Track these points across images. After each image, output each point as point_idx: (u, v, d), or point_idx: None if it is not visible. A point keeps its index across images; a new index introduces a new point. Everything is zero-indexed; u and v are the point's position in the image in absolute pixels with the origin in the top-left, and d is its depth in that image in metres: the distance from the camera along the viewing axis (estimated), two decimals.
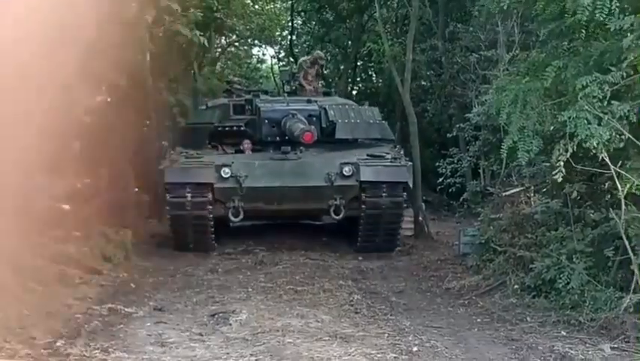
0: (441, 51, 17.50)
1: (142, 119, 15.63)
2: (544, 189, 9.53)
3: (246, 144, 13.32)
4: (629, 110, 6.59)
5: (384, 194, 12.18)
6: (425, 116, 18.41)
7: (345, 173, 12.25)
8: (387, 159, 12.57)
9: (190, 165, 12.34)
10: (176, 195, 12.08)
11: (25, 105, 9.05)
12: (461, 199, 14.44)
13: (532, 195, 10.27)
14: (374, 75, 25.35)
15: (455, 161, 14.50)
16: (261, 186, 12.25)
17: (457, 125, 14.08)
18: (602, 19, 6.45)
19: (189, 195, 11.99)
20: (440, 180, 15.38)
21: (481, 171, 13.72)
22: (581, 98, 6.64)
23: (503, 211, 10.56)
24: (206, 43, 11.36)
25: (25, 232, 9.75)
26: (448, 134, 14.94)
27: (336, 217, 12.52)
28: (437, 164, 14.39)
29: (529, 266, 8.78)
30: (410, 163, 12.88)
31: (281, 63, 27.05)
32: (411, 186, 12.62)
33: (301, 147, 12.84)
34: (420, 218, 14.16)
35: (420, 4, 16.05)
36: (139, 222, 14.06)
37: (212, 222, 12.33)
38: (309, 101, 14.02)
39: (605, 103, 6.66)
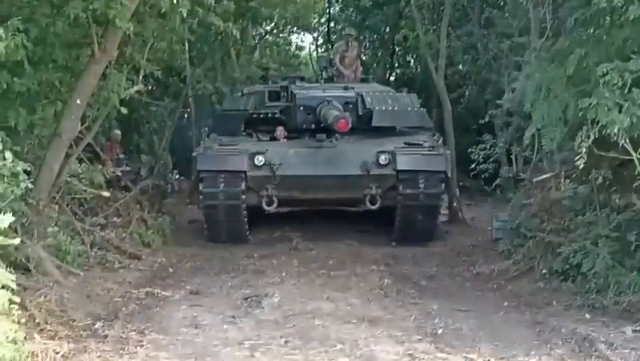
0: (477, 37, 17.49)
1: (181, 107, 15.94)
2: (574, 175, 9.60)
3: (280, 132, 13.10)
4: None
5: (421, 184, 11.74)
6: (461, 102, 18.46)
7: (381, 162, 11.83)
8: (425, 147, 12.14)
9: (223, 152, 12.12)
10: (209, 183, 11.82)
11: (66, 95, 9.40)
12: (494, 185, 14.46)
13: (562, 180, 10.33)
14: (412, 61, 25.37)
15: (488, 147, 14.54)
16: (295, 175, 11.93)
17: (490, 112, 14.12)
18: (620, 5, 6.55)
19: (222, 183, 11.74)
20: (473, 165, 15.29)
21: (513, 157, 13.72)
22: (601, 85, 6.76)
23: (534, 197, 10.65)
24: (238, 35, 11.43)
25: (66, 217, 10.16)
26: (480, 121, 14.93)
27: (372, 207, 12.07)
28: (470, 150, 14.31)
29: (557, 251, 8.90)
30: (449, 151, 12.56)
31: (319, 50, 27.08)
32: (449, 175, 12.29)
33: (337, 135, 12.45)
34: (454, 204, 14.21)
35: None
36: (178, 208, 14.40)
37: (245, 212, 12.05)
38: (345, 88, 13.62)
39: (626, 90, 6.77)
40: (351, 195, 12.20)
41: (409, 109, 13.47)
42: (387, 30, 23.35)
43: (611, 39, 7.21)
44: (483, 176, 14.84)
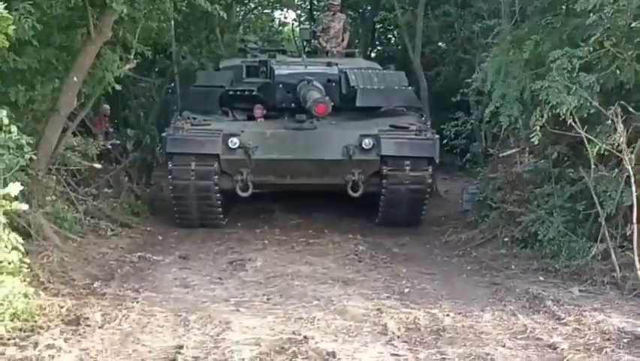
0: (453, 17, 18.10)
1: (166, 83, 16.52)
2: (536, 151, 10.35)
3: (258, 110, 12.21)
4: (594, 81, 7.45)
5: (407, 170, 11.10)
6: (438, 80, 19.09)
7: (364, 146, 11.11)
8: (412, 130, 11.40)
9: (195, 133, 11.28)
10: (178, 167, 11.13)
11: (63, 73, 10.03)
12: (464, 160, 15.09)
13: (526, 156, 11.08)
14: (392, 39, 25.92)
15: (460, 124, 15.12)
16: (271, 159, 11.22)
17: (461, 90, 14.80)
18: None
19: (193, 167, 11.04)
20: (445, 142, 15.71)
21: (482, 133, 14.30)
22: (552, 69, 7.51)
23: (499, 171, 11.40)
24: (225, 16, 11.88)
25: (61, 187, 10.82)
26: (452, 99, 15.55)
27: (354, 194, 11.36)
28: (442, 126, 14.81)
29: (518, 220, 9.67)
30: (437, 136, 11.67)
31: (302, 24, 27.30)
32: (437, 161, 11.49)
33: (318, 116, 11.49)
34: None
35: None
36: (165, 180, 15.00)
37: (218, 197, 11.38)
38: (329, 64, 12.73)
39: (574, 74, 7.52)
40: (332, 182, 11.42)
41: (396, 88, 12.58)
42: (369, 8, 23.90)
43: (564, 27, 7.95)
44: (455, 151, 15.40)
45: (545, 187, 9.45)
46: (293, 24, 28.01)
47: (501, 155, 11.59)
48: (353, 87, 12.25)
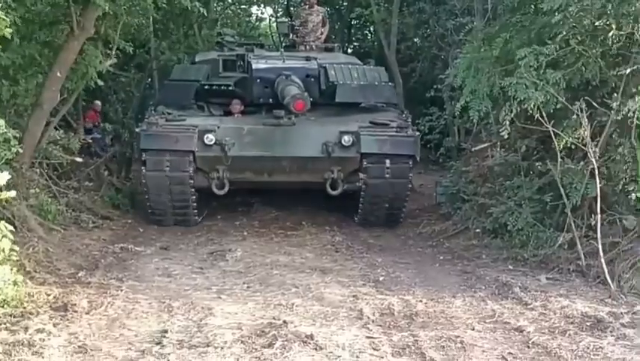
0: (428, 14, 18.41)
1: (145, 78, 16.71)
2: (506, 145, 10.70)
3: (236, 105, 11.90)
4: (560, 78, 7.80)
5: (387, 169, 10.89)
6: (413, 76, 19.41)
7: (344, 143, 10.88)
8: (393, 127, 11.21)
9: (169, 129, 10.96)
10: (152, 164, 10.81)
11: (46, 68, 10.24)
12: (438, 154, 15.41)
13: (497, 149, 11.40)
14: (369, 35, 26.23)
15: (434, 119, 15.42)
16: (248, 156, 10.91)
17: (435, 86, 15.05)
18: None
19: (168, 164, 10.73)
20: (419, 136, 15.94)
21: (455, 128, 14.59)
22: (520, 66, 7.85)
23: (472, 164, 11.73)
24: (205, 12, 12.10)
25: (45, 181, 11.03)
26: (426, 94, 15.78)
27: (333, 192, 11.16)
28: (417, 121, 15.02)
29: (489, 212, 10.00)
30: (418, 133, 11.52)
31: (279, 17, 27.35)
32: (418, 158, 11.25)
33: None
34: None
35: None
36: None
37: (193, 195, 11.11)
38: (307, 59, 12.50)
39: (541, 71, 7.86)
40: (311, 179, 11.20)
41: (376, 83, 12.29)
42: (345, 4, 24.19)
43: (532, 26, 8.29)
44: (429, 146, 15.68)
45: (515, 180, 9.79)
46: (270, 19, 28.22)
47: (473, 149, 11.89)
48: (332, 82, 11.98)
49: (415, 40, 20.41)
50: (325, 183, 11.13)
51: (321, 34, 14.38)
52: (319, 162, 11.02)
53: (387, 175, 10.90)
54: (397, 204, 11.43)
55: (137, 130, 11.31)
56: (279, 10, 27.95)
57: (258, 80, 12.00)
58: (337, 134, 10.95)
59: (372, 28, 24.54)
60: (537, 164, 9.23)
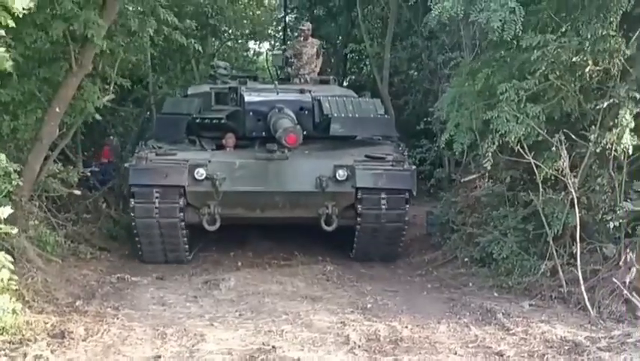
0: (421, 48, 18.78)
1: (144, 112, 17.04)
2: (494, 176, 11.00)
3: (229, 139, 11.69)
4: (540, 111, 8.12)
5: (383, 204, 10.66)
6: (407, 109, 19.74)
7: (338, 177, 10.62)
8: (389, 161, 10.94)
9: (159, 163, 10.70)
10: (141, 200, 10.52)
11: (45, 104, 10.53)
12: (429, 185, 15.67)
13: (486, 180, 11.70)
14: (364, 69, 26.63)
15: (424, 151, 15.69)
16: (240, 191, 10.68)
17: (425, 119, 15.34)
18: (509, 39, 7.95)
19: (157, 200, 10.46)
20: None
21: (446, 159, 14.88)
22: (501, 100, 8.17)
23: (460, 195, 12.02)
24: (200, 49, 12.37)
25: (44, 213, 11.29)
26: (417, 127, 16.07)
27: (328, 228, 10.83)
28: (409, 153, 15.15)
29: (476, 241, 10.28)
30: (414, 167, 11.22)
31: (275, 50, 27.61)
32: (414, 193, 11.05)
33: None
34: None
35: (400, 3, 17.46)
36: None
37: (184, 232, 10.79)
38: (301, 91, 12.24)
39: (522, 105, 8.18)
40: (304, 215, 10.89)
41: (372, 116, 11.96)
42: (340, 38, 24.61)
43: (513, 61, 8.61)
44: (420, 177, 15.90)
45: (501, 210, 10.07)
46: (267, 53, 28.61)
47: (462, 180, 12.19)
48: (327, 115, 11.66)
49: (410, 72, 20.76)
50: (319, 219, 10.81)
51: (316, 66, 14.27)
52: (313, 197, 10.74)
53: (383, 210, 10.67)
54: (393, 240, 11.16)
55: (125, 165, 11.08)
56: (277, 44, 28.43)
57: (251, 113, 11.78)
58: (332, 169, 10.68)
59: (367, 62, 24.94)
60: (521, 194, 9.53)
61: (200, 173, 10.53)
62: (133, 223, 10.71)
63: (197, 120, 11.76)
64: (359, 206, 10.70)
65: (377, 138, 12.14)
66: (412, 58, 19.74)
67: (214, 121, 11.73)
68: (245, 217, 11.07)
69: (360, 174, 10.67)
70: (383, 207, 10.66)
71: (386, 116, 12.59)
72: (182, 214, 10.62)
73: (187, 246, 11.03)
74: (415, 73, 20.12)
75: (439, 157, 15.42)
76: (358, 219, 10.78)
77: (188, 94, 12.93)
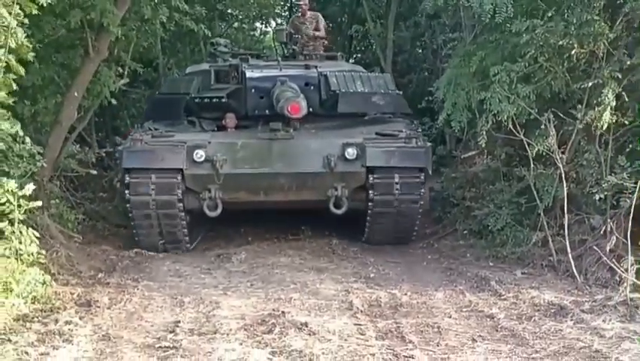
0: (424, 27, 19.23)
1: (154, 93, 17.53)
2: (491, 153, 11.55)
3: (229, 119, 11.08)
4: (530, 92, 8.66)
5: (396, 183, 10.02)
6: (410, 87, 20.17)
7: (347, 156, 10.00)
8: (401, 138, 10.29)
9: (155, 145, 10.13)
10: (137, 185, 9.95)
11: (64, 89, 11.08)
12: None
13: (485, 157, 12.24)
14: (370, 47, 27.00)
15: (426, 128, 16.17)
16: (242, 173, 10.08)
17: (426, 98, 15.84)
18: (500, 22, 8.49)
19: (154, 184, 9.89)
20: None
21: (447, 137, 15.36)
22: (494, 82, 8.71)
23: (460, 171, 12.57)
24: (209, 34, 12.84)
25: (63, 192, 11.89)
26: (418, 105, 16.58)
27: (337, 212, 10.27)
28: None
29: (474, 214, 10.84)
30: (430, 144, 10.69)
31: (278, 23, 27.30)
32: (430, 172, 10.41)
33: (295, 124, 10.57)
34: None
35: None
36: None
37: (183, 218, 10.22)
38: (307, 67, 11.64)
39: (513, 86, 8.72)
40: (312, 198, 10.31)
41: (383, 92, 11.39)
42: (345, 17, 24.98)
43: (505, 45, 9.14)
44: None
45: (497, 185, 10.65)
46: (273, 32, 28.93)
47: (463, 156, 12.70)
48: (334, 91, 11.11)
49: (413, 51, 21.15)
50: (328, 202, 10.23)
51: (320, 39, 13.47)
52: (321, 178, 10.11)
53: (397, 191, 10.05)
54: (408, 223, 10.54)
55: (119, 148, 10.46)
56: (282, 22, 28.75)
57: (253, 90, 11.19)
58: (340, 147, 10.07)
59: (372, 40, 25.33)
60: (515, 170, 10.05)
61: (200, 154, 9.98)
62: (129, 210, 10.21)
63: (197, 100, 11.30)
64: (370, 187, 10.12)
65: (388, 116, 11.59)
66: (415, 37, 20.14)
67: (214, 100, 11.20)
68: (248, 201, 10.47)
69: (371, 152, 10.04)
70: (396, 187, 10.05)
71: (397, 91, 11.87)
72: (180, 199, 10.07)
73: (186, 234, 10.48)
74: (420, 51, 20.55)
75: (441, 134, 15.88)
76: (370, 202, 10.19)
77: (186, 73, 12.50)
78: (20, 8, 7.15)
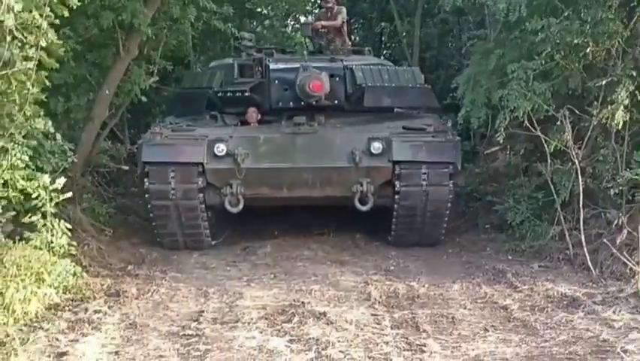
0: (451, 24, 19.42)
1: None
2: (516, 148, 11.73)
3: (252, 113, 10.89)
4: (546, 89, 8.85)
5: (424, 179, 9.67)
6: (438, 83, 20.33)
7: (373, 150, 9.68)
8: (429, 132, 9.99)
9: (175, 139, 9.93)
10: (156, 179, 9.73)
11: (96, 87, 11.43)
12: None
13: (507, 152, 12.42)
14: (398, 44, 27.14)
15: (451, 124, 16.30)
16: (265, 168, 9.81)
17: (451, 95, 16.01)
18: (514, 20, 8.69)
19: (173, 179, 9.67)
20: None
21: (471, 133, 15.54)
22: (511, 79, 8.91)
23: (483, 166, 12.76)
24: (237, 33, 13.07)
25: (95, 187, 12.26)
26: (443, 102, 16.74)
27: (363, 208, 9.91)
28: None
29: (495, 209, 11.04)
30: (458, 138, 10.28)
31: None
32: (459, 167, 10.05)
33: (320, 118, 10.50)
34: None
35: None
36: None
37: (204, 214, 10.05)
38: (332, 60, 11.33)
39: (530, 83, 8.91)
40: (336, 193, 9.97)
41: (410, 86, 11.21)
42: (375, 14, 25.14)
43: (523, 43, 9.34)
44: None
45: (517, 180, 10.85)
46: (300, 27, 29.08)
47: (486, 152, 12.88)
48: (360, 85, 10.88)
49: (442, 47, 21.29)
50: (353, 198, 9.89)
51: (344, 37, 12.87)
52: (346, 173, 9.82)
53: (424, 186, 9.71)
54: (437, 221, 10.21)
55: (139, 142, 10.29)
56: (310, 17, 28.88)
57: (276, 82, 10.93)
58: (366, 141, 9.76)
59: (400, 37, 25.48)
60: (534, 165, 10.24)
61: (221, 148, 9.74)
62: (149, 207, 10.04)
63: (219, 94, 11.11)
64: (397, 182, 9.78)
65: (417, 111, 11.34)
66: (442, 34, 20.30)
67: (237, 94, 10.96)
68: (271, 197, 10.16)
69: (398, 146, 9.70)
70: (424, 183, 9.70)
71: (426, 85, 11.69)
72: (201, 195, 9.91)
73: (208, 230, 10.30)
74: (449, 47, 20.71)
75: (467, 130, 16.05)
76: (396, 197, 9.85)
77: (209, 67, 12.33)
78: (51, 10, 7.44)
